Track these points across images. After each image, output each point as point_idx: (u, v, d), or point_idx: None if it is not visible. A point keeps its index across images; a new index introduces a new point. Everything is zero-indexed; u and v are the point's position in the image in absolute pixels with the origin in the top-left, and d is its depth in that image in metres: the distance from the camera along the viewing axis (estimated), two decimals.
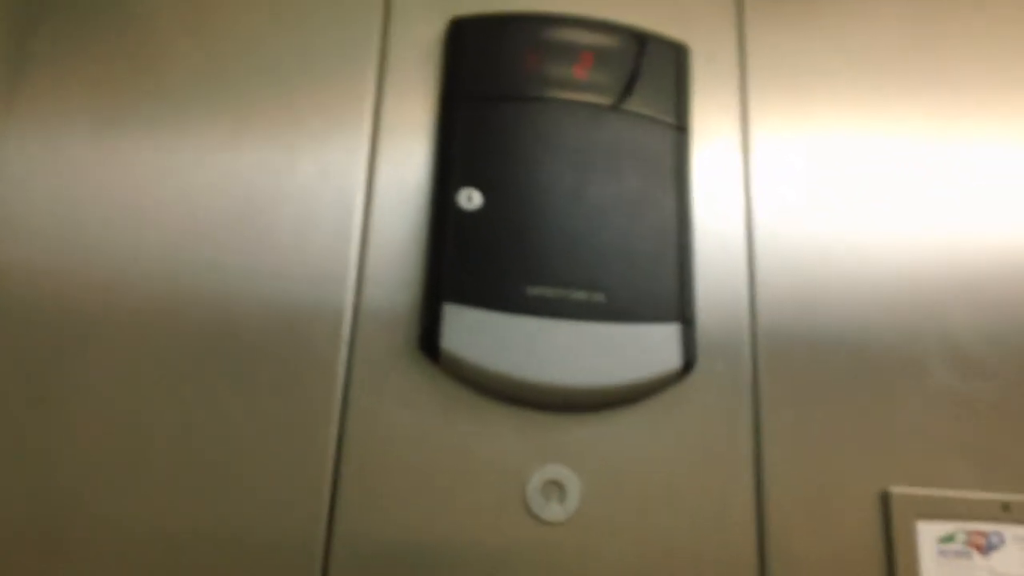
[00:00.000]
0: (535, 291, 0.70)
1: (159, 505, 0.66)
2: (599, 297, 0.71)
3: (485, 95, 0.75)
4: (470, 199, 0.72)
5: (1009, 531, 0.72)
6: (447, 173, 0.73)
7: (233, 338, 0.70)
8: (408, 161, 0.76)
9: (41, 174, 0.72)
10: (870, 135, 0.83)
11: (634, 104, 0.77)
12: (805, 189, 0.80)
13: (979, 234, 0.81)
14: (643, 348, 0.71)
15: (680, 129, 0.77)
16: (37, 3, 0.76)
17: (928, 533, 0.71)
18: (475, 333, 0.69)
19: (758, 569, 0.70)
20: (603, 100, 0.76)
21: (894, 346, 0.76)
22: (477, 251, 0.71)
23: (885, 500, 0.72)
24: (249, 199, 0.73)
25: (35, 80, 0.75)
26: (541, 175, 0.73)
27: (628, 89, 0.77)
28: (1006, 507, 0.73)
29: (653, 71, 0.78)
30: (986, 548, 0.72)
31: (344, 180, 0.75)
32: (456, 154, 0.74)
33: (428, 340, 0.69)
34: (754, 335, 0.75)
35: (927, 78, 0.85)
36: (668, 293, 0.72)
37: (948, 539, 0.72)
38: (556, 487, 0.69)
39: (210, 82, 0.76)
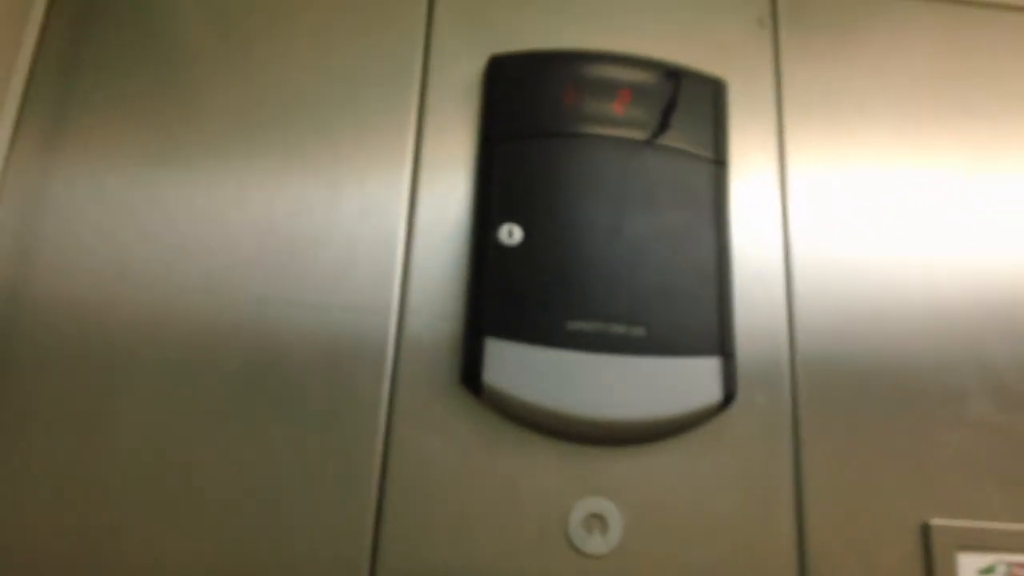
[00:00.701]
0: (576, 325, 0.71)
1: (203, 538, 0.66)
2: (639, 331, 0.72)
3: (524, 132, 0.76)
4: (511, 234, 0.73)
5: None
6: (488, 209, 0.74)
7: (276, 373, 0.71)
8: (449, 197, 0.77)
9: (87, 212, 0.73)
10: (906, 166, 0.83)
11: (672, 139, 0.77)
12: (842, 221, 0.81)
13: (1016, 264, 0.81)
14: (684, 381, 0.71)
15: (718, 163, 0.78)
16: (81, 46, 0.78)
17: (968, 565, 0.72)
18: (516, 367, 0.70)
19: None
20: (641, 136, 0.77)
21: (933, 377, 0.77)
22: (518, 286, 0.72)
23: (925, 532, 0.72)
24: (292, 236, 0.74)
25: (80, 121, 0.76)
26: (581, 210, 0.74)
27: (666, 124, 0.78)
28: None
29: (691, 106, 0.79)
30: None
31: (385, 217, 0.76)
32: (496, 190, 0.75)
33: (470, 374, 0.70)
34: (793, 367, 0.76)
35: (962, 110, 0.86)
36: (708, 326, 0.73)
37: (988, 571, 0.72)
38: (598, 520, 0.70)
39: (252, 121, 0.77)
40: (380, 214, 0.76)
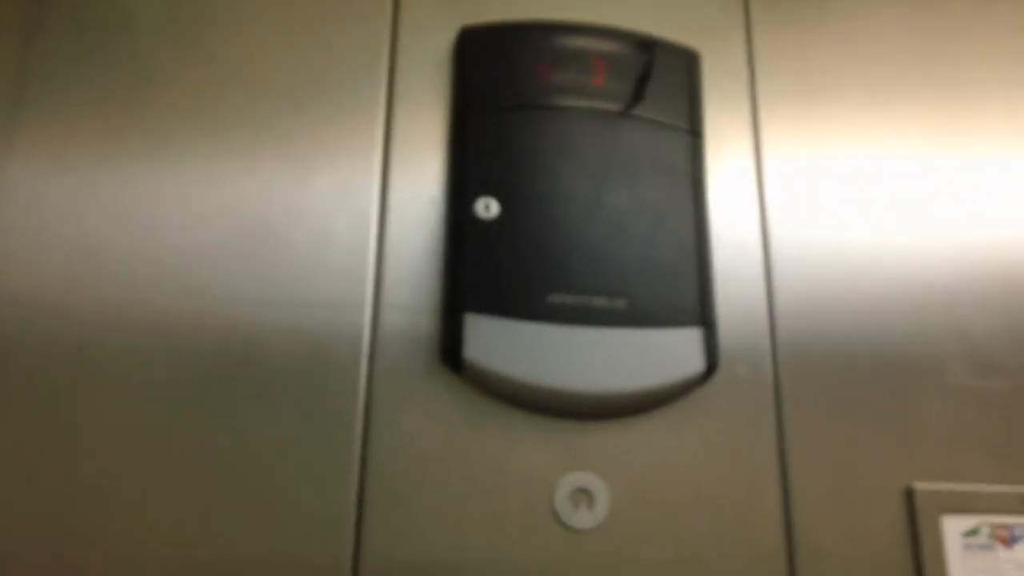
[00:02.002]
0: (556, 298, 0.70)
1: (183, 531, 0.64)
2: (620, 303, 0.71)
3: (498, 105, 0.75)
4: (487, 208, 0.72)
5: None
6: (463, 183, 0.73)
7: (252, 359, 0.69)
8: (422, 173, 0.75)
9: (50, 197, 0.71)
10: (880, 138, 0.83)
11: (647, 110, 0.77)
12: (818, 192, 0.81)
13: (990, 235, 0.82)
14: (666, 352, 0.71)
15: (694, 134, 0.78)
16: (37, 26, 0.75)
17: (953, 527, 0.72)
18: (497, 342, 0.69)
19: (787, 569, 0.70)
20: (616, 107, 0.76)
21: (911, 346, 0.77)
22: (496, 260, 0.71)
23: (910, 496, 0.72)
24: (264, 218, 0.72)
25: (39, 101, 0.73)
26: (558, 182, 0.73)
27: (641, 96, 0.77)
28: None
29: (665, 77, 0.78)
30: (1010, 540, 0.72)
31: (358, 195, 0.74)
32: (471, 164, 0.74)
33: (450, 352, 0.69)
34: (774, 337, 0.75)
35: (935, 81, 0.86)
36: (688, 297, 0.73)
37: (973, 533, 0.72)
38: (584, 494, 0.69)
39: (219, 100, 0.75)
40: (353, 193, 0.74)
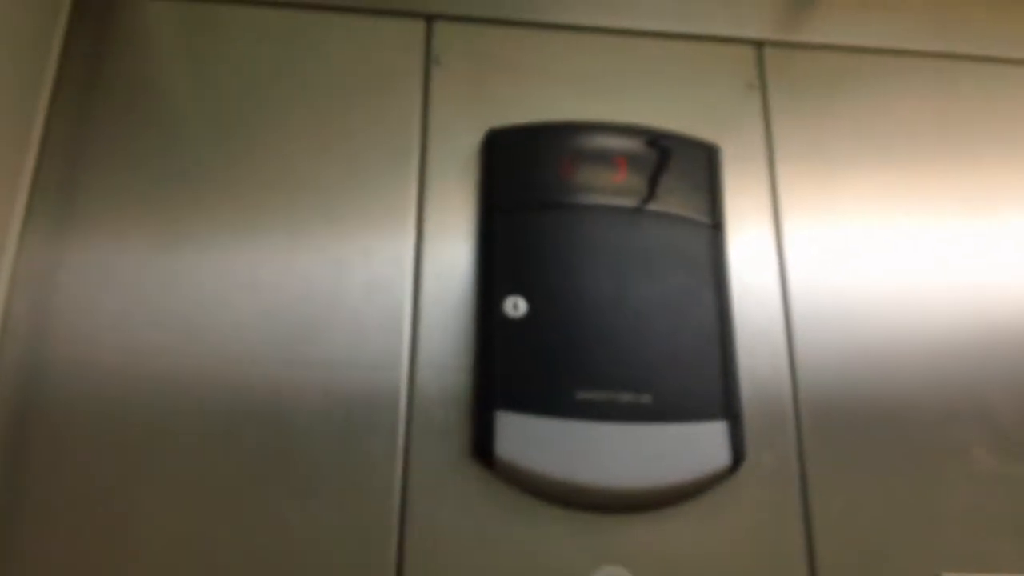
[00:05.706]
0: (584, 395, 0.72)
1: None
2: (646, 398, 0.73)
3: (524, 203, 0.78)
4: (516, 307, 0.74)
5: None
6: (492, 282, 0.75)
7: (292, 454, 0.71)
8: (452, 271, 0.78)
9: (98, 300, 0.74)
10: (900, 218, 0.85)
11: (670, 205, 0.79)
12: (840, 277, 0.82)
13: (1014, 312, 0.82)
14: (692, 447, 0.72)
15: (715, 227, 0.80)
16: (83, 138, 0.79)
17: None
18: (528, 439, 0.71)
19: None
20: (639, 203, 0.78)
21: (937, 430, 0.78)
22: (525, 358, 0.73)
23: None
24: (301, 317, 0.75)
25: (87, 210, 0.76)
26: (583, 280, 0.75)
27: (663, 191, 0.79)
28: None
29: (686, 172, 0.80)
30: None
31: (391, 293, 0.77)
32: (499, 263, 0.76)
33: (482, 447, 0.71)
34: (799, 425, 0.77)
35: (951, 158, 0.88)
36: (713, 390, 0.74)
37: None
38: None
39: (259, 201, 0.78)
40: (385, 290, 0.77)
